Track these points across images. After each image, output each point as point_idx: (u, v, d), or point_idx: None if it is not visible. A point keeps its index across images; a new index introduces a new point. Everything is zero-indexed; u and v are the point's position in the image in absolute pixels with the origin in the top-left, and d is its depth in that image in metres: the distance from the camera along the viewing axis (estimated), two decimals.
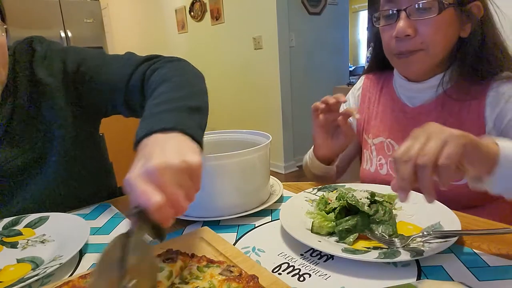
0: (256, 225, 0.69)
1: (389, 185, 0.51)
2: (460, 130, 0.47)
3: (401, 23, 0.74)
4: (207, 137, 0.89)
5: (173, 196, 0.44)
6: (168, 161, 0.44)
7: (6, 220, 0.73)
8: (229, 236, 0.65)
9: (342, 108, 0.99)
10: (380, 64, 0.94)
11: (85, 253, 0.63)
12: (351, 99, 1.03)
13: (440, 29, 0.74)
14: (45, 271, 0.53)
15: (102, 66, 0.81)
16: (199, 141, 0.54)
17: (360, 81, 1.03)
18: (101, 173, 0.96)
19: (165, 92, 0.64)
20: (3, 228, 0.71)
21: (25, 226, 0.71)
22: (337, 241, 0.60)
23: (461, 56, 0.78)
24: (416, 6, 0.73)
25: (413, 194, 0.73)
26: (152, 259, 0.46)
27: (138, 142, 0.52)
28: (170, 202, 0.43)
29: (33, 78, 0.77)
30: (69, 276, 0.56)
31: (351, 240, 0.59)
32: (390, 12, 0.78)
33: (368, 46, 1.02)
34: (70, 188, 0.83)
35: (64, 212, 0.76)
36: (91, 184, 0.88)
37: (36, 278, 0.52)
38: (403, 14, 0.75)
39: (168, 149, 0.47)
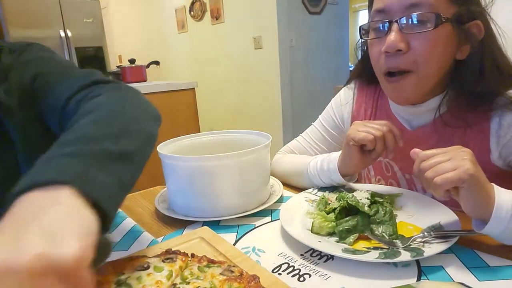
0: (256, 225, 0.69)
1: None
2: (475, 167, 0.52)
3: (393, 36, 0.66)
4: (207, 137, 0.89)
5: None
6: (14, 258, 0.28)
7: None
8: (229, 236, 0.65)
9: (338, 108, 0.94)
10: (369, 79, 0.86)
11: None
12: (344, 104, 0.94)
13: (435, 46, 0.66)
14: None
15: (53, 85, 0.69)
16: (106, 209, 0.37)
17: (353, 88, 0.93)
18: None
19: (81, 127, 0.47)
20: None
21: None
22: (337, 241, 0.60)
23: (459, 79, 0.69)
24: (410, 18, 0.65)
25: (413, 194, 0.74)
26: None
27: (14, 198, 0.35)
28: None
29: None
30: None
31: (351, 240, 0.59)
32: (381, 26, 0.69)
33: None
34: None
35: None
36: None
37: None
38: (395, 26, 0.66)
39: (36, 226, 0.31)
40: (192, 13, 4.03)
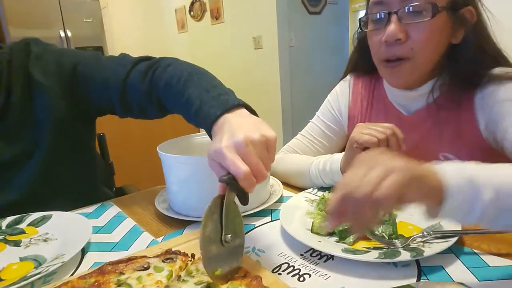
0: (256, 225, 0.69)
1: None
2: (407, 162, 0.43)
3: (392, 27, 0.70)
4: (207, 137, 0.89)
5: (256, 166, 0.50)
6: (251, 136, 0.51)
7: (10, 219, 0.73)
8: None
9: (335, 101, 0.96)
10: (366, 69, 0.89)
11: (87, 252, 0.63)
12: (340, 96, 0.97)
13: (432, 34, 0.70)
14: (47, 270, 0.54)
15: (98, 67, 0.82)
16: (257, 115, 0.61)
17: (348, 80, 0.96)
18: (92, 175, 0.95)
19: (205, 81, 0.70)
20: (6, 226, 0.72)
21: (28, 225, 0.72)
22: (337, 241, 0.60)
23: (453, 63, 0.74)
24: (408, 9, 0.69)
25: None
26: (240, 217, 0.53)
27: (213, 122, 0.58)
28: (254, 171, 0.49)
29: (28, 77, 0.78)
30: (71, 275, 0.56)
31: (351, 240, 0.59)
32: (379, 16, 0.73)
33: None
34: (54, 187, 0.82)
35: (66, 210, 0.77)
36: (78, 185, 0.88)
37: (38, 276, 0.52)
38: (394, 17, 0.70)
39: (248, 125, 0.54)
40: (192, 13, 4.03)
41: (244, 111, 0.59)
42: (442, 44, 0.73)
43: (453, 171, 0.45)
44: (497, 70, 0.72)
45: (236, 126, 0.53)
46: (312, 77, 3.57)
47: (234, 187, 0.50)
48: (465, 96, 0.74)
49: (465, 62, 0.72)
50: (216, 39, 3.86)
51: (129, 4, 5.24)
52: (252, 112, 0.61)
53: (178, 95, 0.70)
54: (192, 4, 3.99)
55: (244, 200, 0.52)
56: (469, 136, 0.75)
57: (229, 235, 0.49)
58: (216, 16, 3.73)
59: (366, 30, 0.79)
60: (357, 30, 0.85)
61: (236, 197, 0.51)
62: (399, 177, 0.41)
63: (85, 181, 0.91)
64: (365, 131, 0.71)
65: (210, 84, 0.68)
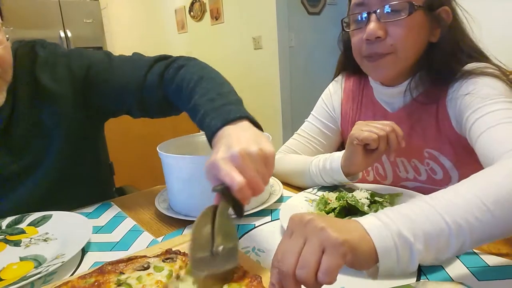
0: (256, 225, 0.69)
1: None
2: (339, 233, 0.38)
3: (372, 25, 0.73)
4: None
5: (252, 178, 0.49)
6: (248, 149, 0.50)
7: (10, 219, 0.73)
8: None
9: (329, 99, 0.99)
10: (354, 69, 0.92)
11: (87, 252, 0.63)
12: (333, 95, 0.99)
13: (410, 31, 0.73)
14: (47, 269, 0.54)
15: (112, 69, 0.80)
16: (262, 128, 0.61)
17: (340, 79, 0.99)
18: (99, 175, 0.95)
19: (212, 88, 0.68)
20: (7, 226, 0.72)
21: (28, 225, 0.72)
22: None
23: (430, 60, 0.76)
24: (386, 9, 0.72)
25: (413, 194, 0.74)
26: (233, 229, 0.52)
27: (214, 134, 0.58)
28: (250, 184, 0.49)
29: (36, 83, 0.76)
30: (71, 274, 0.56)
31: None
32: (360, 17, 0.77)
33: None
34: (63, 190, 0.82)
35: (69, 211, 0.76)
36: (86, 186, 0.87)
37: (38, 276, 0.52)
38: (373, 16, 0.74)
39: (246, 138, 0.53)
40: (191, 13, 4.03)
41: (245, 123, 0.58)
42: (421, 41, 0.76)
43: (380, 229, 0.41)
44: (469, 66, 0.74)
45: (234, 139, 0.53)
46: (312, 77, 3.57)
47: (228, 198, 0.49)
48: (441, 92, 0.76)
49: (441, 59, 0.75)
50: (216, 40, 3.86)
51: (129, 4, 5.24)
52: (256, 124, 0.60)
53: (186, 100, 0.70)
54: (192, 4, 3.99)
55: (239, 211, 0.51)
56: (448, 131, 0.76)
57: (220, 247, 0.47)
58: (216, 16, 3.73)
59: (348, 30, 0.82)
60: (341, 32, 0.89)
61: (231, 208, 0.50)
62: (336, 257, 0.38)
63: (92, 182, 0.90)
64: (365, 128, 0.72)
65: (217, 91, 0.67)
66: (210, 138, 0.59)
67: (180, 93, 0.73)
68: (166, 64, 0.78)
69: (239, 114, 0.59)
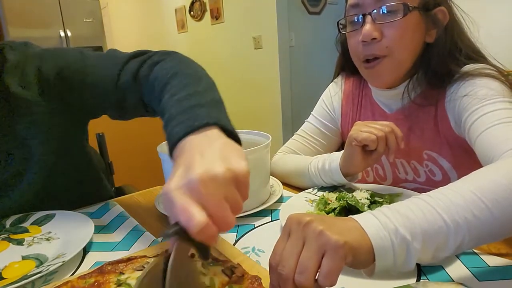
0: (256, 225, 0.69)
1: None
2: (339, 235, 0.38)
3: (367, 27, 0.73)
4: None
5: (218, 212, 0.38)
6: (212, 170, 0.38)
7: (14, 218, 0.73)
8: (229, 236, 0.65)
9: (329, 99, 0.99)
10: (352, 70, 0.91)
11: (88, 251, 0.63)
12: (333, 95, 0.99)
13: (405, 32, 0.73)
14: (48, 269, 0.54)
15: (86, 69, 0.72)
16: (238, 137, 0.49)
17: (340, 80, 0.99)
18: (91, 178, 0.92)
19: (184, 86, 0.58)
20: (11, 225, 0.72)
21: (32, 224, 0.72)
22: None
23: (427, 61, 0.76)
24: (382, 10, 0.73)
25: (413, 194, 0.74)
26: (195, 276, 0.44)
27: (175, 145, 0.47)
28: (215, 219, 0.38)
29: (5, 91, 0.69)
30: (71, 274, 0.56)
31: None
32: (355, 19, 0.77)
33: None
34: (52, 194, 0.79)
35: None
36: (76, 190, 0.84)
37: (39, 275, 0.52)
38: (368, 18, 0.74)
39: (210, 154, 0.41)
40: (192, 13, 4.03)
41: (213, 132, 0.46)
42: (417, 42, 0.76)
43: (377, 228, 0.40)
44: (467, 67, 0.74)
45: (196, 157, 0.41)
46: (312, 77, 3.57)
47: (187, 241, 0.38)
48: (440, 94, 0.76)
49: (438, 60, 0.75)
50: (216, 39, 3.86)
51: (129, 4, 5.24)
52: (229, 132, 0.48)
53: (157, 100, 0.61)
54: (192, 4, 3.99)
55: (204, 253, 0.40)
56: (446, 133, 0.77)
57: None
58: (216, 16, 3.73)
59: (344, 32, 0.82)
60: (338, 34, 0.88)
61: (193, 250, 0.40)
62: (337, 260, 0.37)
63: (83, 182, 0.87)
64: (364, 129, 0.71)
65: (190, 90, 0.56)
66: (171, 150, 0.48)
67: (153, 92, 0.64)
68: (141, 61, 0.70)
69: (207, 120, 0.47)
